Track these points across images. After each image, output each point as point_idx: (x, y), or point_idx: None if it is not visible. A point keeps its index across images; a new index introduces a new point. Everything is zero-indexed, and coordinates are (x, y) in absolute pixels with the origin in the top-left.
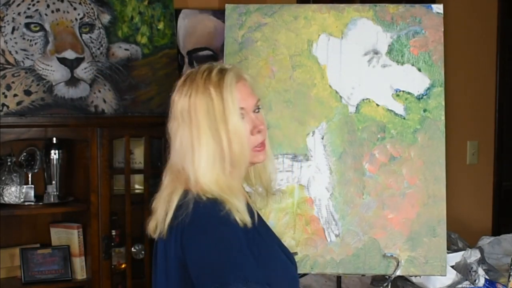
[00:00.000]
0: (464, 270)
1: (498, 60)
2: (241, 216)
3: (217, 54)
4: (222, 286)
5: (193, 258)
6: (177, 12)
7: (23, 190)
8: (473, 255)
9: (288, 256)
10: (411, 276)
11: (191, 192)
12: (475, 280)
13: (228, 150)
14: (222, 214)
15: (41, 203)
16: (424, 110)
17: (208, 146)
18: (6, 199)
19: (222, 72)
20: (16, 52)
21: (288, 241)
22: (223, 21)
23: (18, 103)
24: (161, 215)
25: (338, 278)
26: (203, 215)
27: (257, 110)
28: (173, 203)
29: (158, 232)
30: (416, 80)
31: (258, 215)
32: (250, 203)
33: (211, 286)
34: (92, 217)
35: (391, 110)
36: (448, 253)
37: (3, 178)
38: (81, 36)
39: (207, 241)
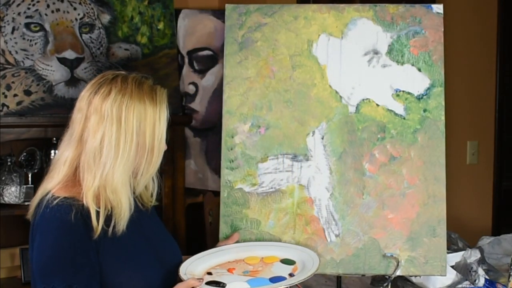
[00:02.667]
0: (464, 270)
1: (498, 60)
2: (121, 224)
3: (217, 54)
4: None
5: (33, 257)
6: (177, 12)
7: (23, 190)
8: (473, 255)
9: (167, 265)
10: (411, 276)
11: (50, 193)
12: (475, 280)
13: (145, 161)
14: (67, 219)
15: None
16: (424, 110)
17: (130, 153)
18: (6, 199)
19: (153, 88)
20: (16, 52)
21: (288, 241)
22: (223, 21)
23: (18, 103)
24: (32, 200)
25: (338, 278)
26: (48, 218)
27: None
28: (36, 199)
29: (28, 215)
30: (416, 80)
31: (137, 217)
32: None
33: (40, 286)
34: None
35: (391, 110)
36: (448, 253)
37: (3, 178)
38: (81, 36)
39: (45, 243)
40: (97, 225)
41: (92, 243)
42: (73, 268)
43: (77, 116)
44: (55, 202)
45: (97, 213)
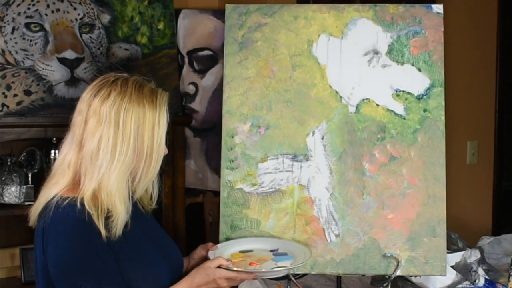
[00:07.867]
0: (464, 270)
1: (498, 60)
2: (117, 227)
3: (217, 54)
4: None
5: (51, 259)
6: (177, 12)
7: (23, 190)
8: (473, 255)
9: (170, 261)
10: (411, 276)
11: (58, 195)
12: (475, 280)
13: (143, 165)
14: (81, 217)
15: None
16: (424, 110)
17: (127, 157)
18: (6, 199)
19: (154, 91)
20: (16, 52)
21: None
22: (223, 21)
23: (18, 103)
24: (34, 207)
25: (338, 278)
26: (61, 218)
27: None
28: (40, 205)
29: (31, 223)
30: (416, 80)
31: (141, 220)
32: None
33: (64, 287)
34: None
35: (391, 110)
36: (448, 253)
37: (3, 178)
38: (81, 36)
39: (63, 243)
40: (100, 227)
41: (108, 243)
42: (98, 265)
43: (77, 118)
44: (65, 202)
45: (97, 215)
